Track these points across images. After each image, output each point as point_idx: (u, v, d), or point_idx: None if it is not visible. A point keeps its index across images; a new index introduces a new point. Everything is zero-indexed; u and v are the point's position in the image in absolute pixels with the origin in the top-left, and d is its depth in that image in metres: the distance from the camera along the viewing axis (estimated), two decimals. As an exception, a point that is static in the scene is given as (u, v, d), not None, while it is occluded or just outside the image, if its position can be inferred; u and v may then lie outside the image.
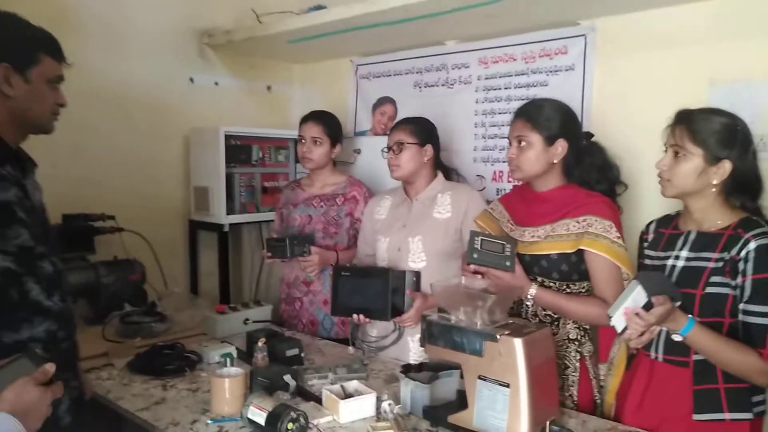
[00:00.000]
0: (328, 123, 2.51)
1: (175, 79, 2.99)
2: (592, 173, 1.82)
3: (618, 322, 1.45)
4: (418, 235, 2.09)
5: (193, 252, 3.09)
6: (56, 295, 1.44)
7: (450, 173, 2.31)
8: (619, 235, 1.70)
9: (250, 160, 3.07)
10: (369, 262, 2.25)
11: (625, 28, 2.28)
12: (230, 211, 2.94)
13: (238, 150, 2.98)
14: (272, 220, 3.13)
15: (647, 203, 2.05)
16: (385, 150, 2.18)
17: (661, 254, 1.62)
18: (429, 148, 2.13)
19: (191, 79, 3.05)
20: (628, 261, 1.71)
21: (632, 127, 2.20)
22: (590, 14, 2.34)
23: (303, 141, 2.49)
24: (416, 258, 2.09)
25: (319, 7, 2.66)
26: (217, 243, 3.02)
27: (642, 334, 1.45)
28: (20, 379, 1.04)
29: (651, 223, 1.73)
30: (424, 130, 2.15)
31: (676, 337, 1.48)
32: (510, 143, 1.81)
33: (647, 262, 1.66)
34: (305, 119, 2.53)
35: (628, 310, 1.43)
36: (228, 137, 2.88)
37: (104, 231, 2.57)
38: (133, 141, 2.82)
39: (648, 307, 1.41)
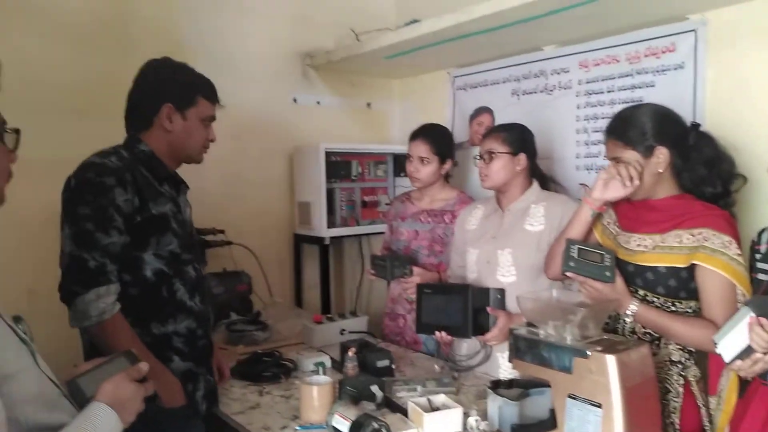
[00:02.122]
0: (436, 140, 2.41)
1: (280, 100, 3.13)
2: (701, 170, 1.64)
3: (725, 350, 1.31)
4: (508, 248, 2.00)
5: (297, 264, 3.21)
6: (197, 297, 1.66)
7: (547, 182, 2.19)
8: (739, 252, 1.53)
9: (350, 176, 3.14)
10: (460, 274, 2.20)
11: (741, 20, 2.07)
12: (331, 224, 3.02)
13: (338, 166, 3.07)
14: (372, 234, 3.21)
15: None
16: (477, 158, 2.11)
17: None
18: (522, 157, 2.03)
19: (294, 100, 3.18)
20: (747, 282, 1.53)
21: (751, 128, 1.99)
22: (700, 7, 2.15)
23: (410, 159, 2.43)
24: (505, 272, 2.00)
25: (414, 22, 2.68)
26: (318, 255, 3.11)
27: (756, 362, 1.28)
28: (118, 374, 1.13)
29: (763, 231, 1.54)
30: (517, 138, 2.05)
31: None
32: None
33: (761, 276, 1.48)
34: (413, 136, 2.45)
35: (752, 319, 1.26)
36: (328, 154, 2.97)
37: (215, 244, 2.74)
38: (242, 159, 2.98)
39: None
